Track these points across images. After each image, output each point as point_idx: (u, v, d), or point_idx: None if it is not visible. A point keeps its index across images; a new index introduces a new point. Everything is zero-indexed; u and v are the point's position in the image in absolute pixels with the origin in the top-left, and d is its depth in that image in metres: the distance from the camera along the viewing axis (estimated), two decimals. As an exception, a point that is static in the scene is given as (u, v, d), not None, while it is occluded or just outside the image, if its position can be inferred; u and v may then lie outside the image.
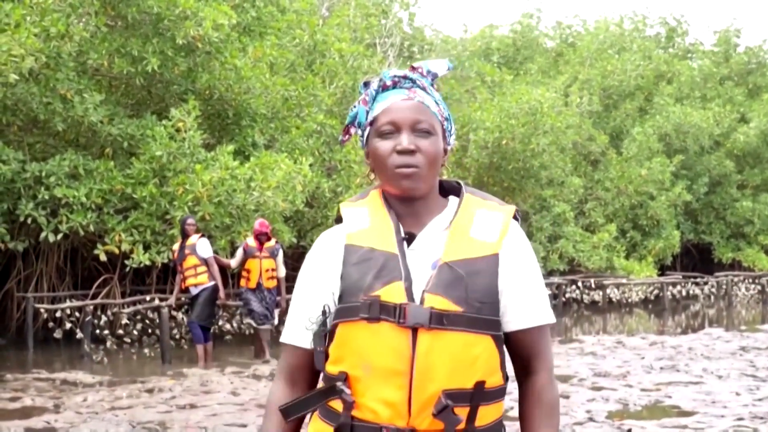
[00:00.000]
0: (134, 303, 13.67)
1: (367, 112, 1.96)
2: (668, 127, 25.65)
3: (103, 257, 12.76)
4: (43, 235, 12.33)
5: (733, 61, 29.98)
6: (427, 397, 1.79)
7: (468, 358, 1.81)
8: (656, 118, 25.89)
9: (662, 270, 24.78)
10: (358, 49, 17.07)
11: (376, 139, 1.92)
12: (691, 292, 23.58)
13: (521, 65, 28.32)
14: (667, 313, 20.03)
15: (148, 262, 12.54)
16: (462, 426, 1.81)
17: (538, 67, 27.35)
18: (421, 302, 1.81)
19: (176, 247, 11.77)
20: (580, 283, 20.94)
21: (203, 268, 11.44)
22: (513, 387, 1.95)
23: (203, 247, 11.46)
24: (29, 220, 12.27)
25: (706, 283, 24.17)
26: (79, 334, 12.57)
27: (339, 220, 1.99)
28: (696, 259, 28.28)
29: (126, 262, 12.78)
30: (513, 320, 1.90)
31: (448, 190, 2.02)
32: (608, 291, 21.14)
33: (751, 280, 24.93)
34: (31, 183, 12.25)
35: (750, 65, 30.08)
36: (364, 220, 1.93)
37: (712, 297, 23.87)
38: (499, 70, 24.10)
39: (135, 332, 13.62)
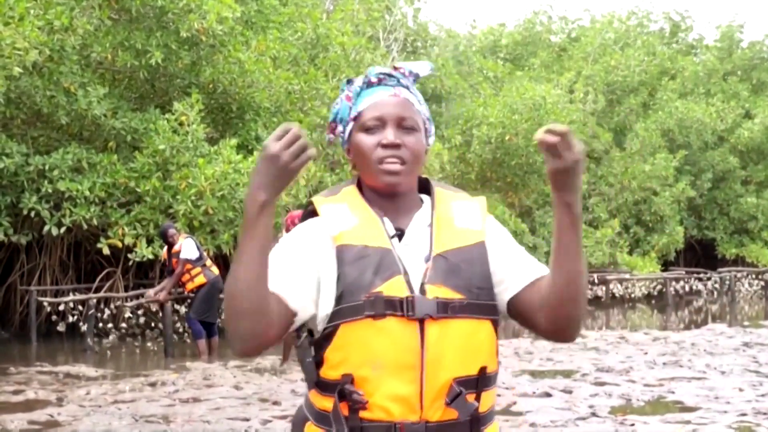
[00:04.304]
0: (137, 296, 13.69)
1: (350, 108, 1.96)
2: (671, 122, 25.60)
3: (106, 251, 12.77)
4: (46, 228, 12.34)
5: (736, 56, 29.89)
6: (438, 387, 1.79)
7: (473, 345, 1.82)
8: (659, 113, 25.83)
9: (665, 266, 24.75)
10: (361, 42, 17.04)
11: (360, 134, 1.91)
12: (694, 287, 23.56)
13: (526, 61, 28.25)
14: (670, 308, 20.00)
15: (151, 256, 12.54)
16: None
17: (540, 62, 27.28)
18: (423, 294, 1.81)
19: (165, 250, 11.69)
20: (583, 278, 20.88)
21: (197, 270, 11.34)
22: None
23: (184, 250, 11.29)
24: (32, 214, 12.29)
25: (709, 279, 24.14)
26: (83, 328, 12.59)
27: (312, 213, 1.93)
28: (699, 254, 28.24)
29: (129, 255, 12.78)
30: (515, 281, 1.89)
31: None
32: (611, 286, 21.12)
33: (754, 276, 24.90)
34: (34, 176, 12.26)
35: (754, 60, 30.00)
36: (348, 217, 1.88)
37: (716, 293, 23.83)
38: (503, 66, 24.06)
39: (138, 326, 13.64)
